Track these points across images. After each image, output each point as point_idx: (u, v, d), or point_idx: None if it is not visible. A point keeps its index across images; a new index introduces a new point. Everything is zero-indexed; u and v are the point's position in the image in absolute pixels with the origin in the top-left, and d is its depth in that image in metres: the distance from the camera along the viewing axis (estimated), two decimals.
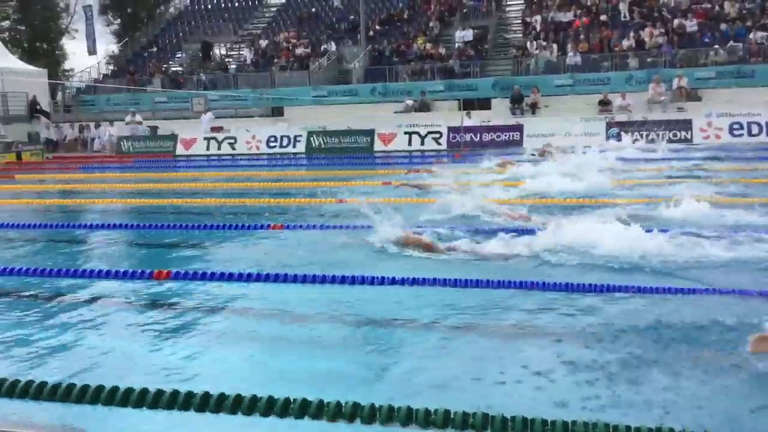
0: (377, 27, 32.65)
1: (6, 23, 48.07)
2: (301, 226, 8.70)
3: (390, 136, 22.51)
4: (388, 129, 22.94)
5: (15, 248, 8.15)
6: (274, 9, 37.92)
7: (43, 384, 3.76)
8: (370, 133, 22.66)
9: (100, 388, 3.66)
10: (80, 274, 6.59)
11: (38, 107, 29.08)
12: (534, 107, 24.84)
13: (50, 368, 4.25)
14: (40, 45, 47.65)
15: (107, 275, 6.49)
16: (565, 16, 29.84)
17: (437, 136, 22.16)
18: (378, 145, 22.20)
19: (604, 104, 23.85)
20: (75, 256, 7.81)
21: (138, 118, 25.99)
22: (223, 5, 39.50)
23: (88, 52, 37.33)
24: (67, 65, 49.97)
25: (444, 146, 21.83)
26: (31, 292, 6.13)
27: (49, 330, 5.07)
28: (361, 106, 26.85)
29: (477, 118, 23.80)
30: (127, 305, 5.67)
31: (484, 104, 25.97)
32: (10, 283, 6.46)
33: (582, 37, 28.05)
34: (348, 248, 7.30)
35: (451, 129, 22.25)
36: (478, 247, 6.85)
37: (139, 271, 6.48)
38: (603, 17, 29.10)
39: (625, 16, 28.93)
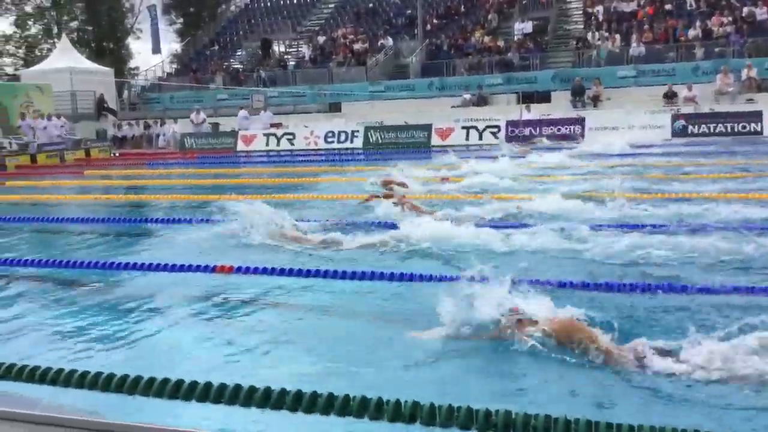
0: (434, 21, 32.51)
1: (74, 23, 49.90)
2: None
3: (447, 130, 22.37)
4: (445, 124, 22.81)
5: (84, 241, 8.42)
6: (332, 5, 38.17)
7: (112, 375, 3.87)
8: (427, 128, 22.57)
9: (166, 380, 3.74)
10: (146, 267, 6.77)
11: (105, 105, 30.05)
12: (596, 100, 24.29)
13: (113, 360, 4.38)
14: (107, 44, 49.28)
15: (172, 268, 6.64)
16: (628, 6, 29.08)
17: (495, 130, 21.91)
18: (435, 140, 22.09)
19: (670, 96, 23.13)
20: (140, 249, 8.02)
21: (202, 115, 26.56)
22: (282, 2, 39.99)
23: (152, 51, 38.40)
24: (132, 64, 51.61)
25: (502, 140, 21.56)
26: (98, 285, 6.33)
27: (112, 322, 5.23)
28: (418, 101, 26.79)
29: (536, 111, 23.43)
30: (191, 298, 5.79)
31: (544, 97, 25.54)
32: (78, 276, 6.70)
33: (646, 26, 27.28)
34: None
35: (509, 123, 21.97)
36: (345, 239, 7.34)
37: (203, 264, 6.62)
38: (668, 6, 28.26)
39: (691, 5, 28.00)
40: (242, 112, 26.15)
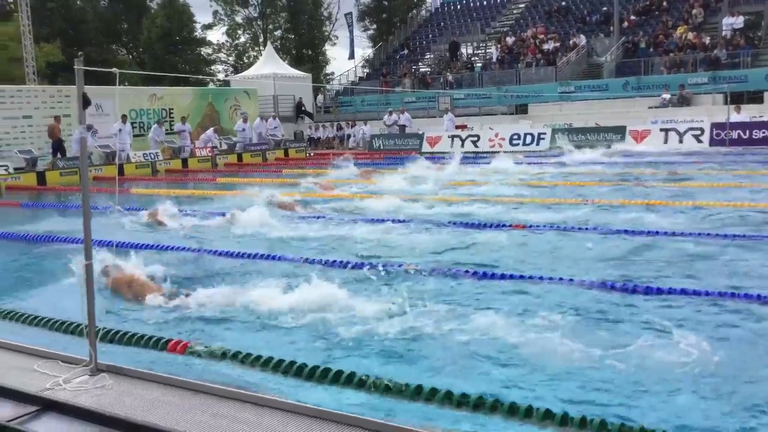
0: (632, 17, 30.83)
1: (278, 32, 53.69)
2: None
3: (643, 133, 21.10)
4: (641, 126, 21.56)
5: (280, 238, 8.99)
6: (522, 5, 37.55)
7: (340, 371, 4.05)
8: (621, 130, 21.44)
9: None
10: (318, 261, 7.07)
11: (303, 108, 32.00)
12: None
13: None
14: (306, 51, 52.45)
15: (354, 266, 6.90)
16: None
17: (698, 133, 20.31)
18: (629, 143, 20.92)
19: None
20: (324, 245, 8.39)
21: (394, 116, 27.34)
22: (471, 5, 40.05)
23: (348, 57, 40.28)
24: (327, 69, 54.52)
25: (706, 144, 19.94)
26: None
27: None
28: (612, 101, 25.54)
29: (746, 113, 21.37)
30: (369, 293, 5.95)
31: (756, 97, 23.24)
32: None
33: None
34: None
35: (715, 125, 20.25)
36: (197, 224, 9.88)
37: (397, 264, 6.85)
38: None
39: None
40: (393, 116, 27.23)
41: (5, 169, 17.89)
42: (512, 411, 3.47)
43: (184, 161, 22.22)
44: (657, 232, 8.08)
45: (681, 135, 20.50)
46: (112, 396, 3.61)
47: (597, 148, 19.76)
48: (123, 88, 27.19)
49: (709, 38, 27.11)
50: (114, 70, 4.45)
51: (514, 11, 37.46)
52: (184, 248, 8.23)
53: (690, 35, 27.45)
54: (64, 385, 3.74)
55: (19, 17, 27.81)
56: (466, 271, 6.46)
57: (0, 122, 20.01)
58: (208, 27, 52.97)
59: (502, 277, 6.31)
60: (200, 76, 45.23)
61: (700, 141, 20.12)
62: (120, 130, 21.06)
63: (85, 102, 3.94)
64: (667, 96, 24.34)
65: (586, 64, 29.60)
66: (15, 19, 31.52)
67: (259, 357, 4.29)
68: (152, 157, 21.47)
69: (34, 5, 28.42)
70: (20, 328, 5.26)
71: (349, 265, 6.90)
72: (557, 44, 30.49)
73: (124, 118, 21.51)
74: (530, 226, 8.78)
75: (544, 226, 8.81)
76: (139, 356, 4.48)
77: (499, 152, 19.90)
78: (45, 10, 41.09)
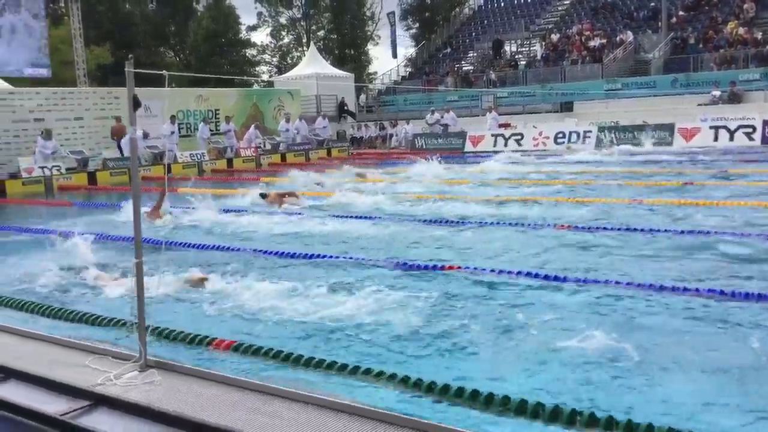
0: (680, 13, 30.15)
1: (321, 33, 54.04)
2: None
3: (692, 131, 20.61)
4: (690, 123, 21.06)
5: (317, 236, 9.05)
6: (568, 2, 37.05)
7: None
8: (669, 128, 20.98)
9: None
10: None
11: (345, 108, 32.14)
12: None
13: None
14: (349, 51, 52.67)
15: (403, 266, 6.89)
16: None
17: (750, 131, 19.75)
18: (678, 141, 20.47)
19: None
20: (356, 245, 8.43)
21: (436, 116, 27.28)
22: (515, 2, 39.68)
23: (392, 56, 40.36)
24: (370, 69, 54.67)
25: (758, 142, 19.38)
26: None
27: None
28: (660, 99, 25.01)
29: None
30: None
31: None
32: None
33: None
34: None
35: (767, 123, 19.66)
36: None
37: (431, 264, 6.82)
38: None
39: None
40: (429, 116, 27.46)
41: (57, 169, 18.44)
42: (555, 415, 3.44)
43: (230, 161, 22.56)
44: (708, 232, 7.91)
45: (732, 133, 19.97)
46: (160, 392, 3.70)
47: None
48: (170, 90, 27.69)
49: (761, 33, 26.37)
50: (164, 72, 4.55)
51: (559, 8, 36.99)
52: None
53: (741, 30, 26.74)
54: (114, 380, 3.85)
55: (70, 21, 28.57)
56: (509, 272, 6.41)
57: (52, 123, 20.59)
58: (252, 28, 53.68)
59: (546, 278, 6.25)
60: (245, 77, 45.82)
61: (751, 139, 19.57)
62: (172, 132, 21.46)
63: (136, 104, 4.04)
64: (717, 93, 23.74)
65: (633, 60, 29.06)
66: (66, 23, 32.41)
67: (300, 356, 4.34)
68: (199, 157, 21.84)
69: (84, 9, 29.10)
70: (72, 325, 5.42)
71: (392, 264, 6.93)
72: (603, 41, 30.01)
73: (172, 118, 21.92)
74: (576, 227, 8.68)
75: (592, 227, 8.70)
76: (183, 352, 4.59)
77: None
78: (94, 14, 42.14)
